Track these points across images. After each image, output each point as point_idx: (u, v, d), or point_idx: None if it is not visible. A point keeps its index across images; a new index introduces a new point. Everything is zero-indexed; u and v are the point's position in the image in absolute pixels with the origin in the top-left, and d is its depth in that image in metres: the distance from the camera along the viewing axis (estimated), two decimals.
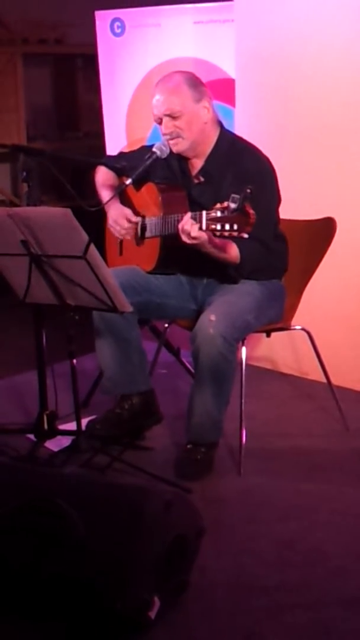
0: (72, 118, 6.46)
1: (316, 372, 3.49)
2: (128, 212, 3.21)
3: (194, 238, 2.78)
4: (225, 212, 2.65)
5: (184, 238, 2.80)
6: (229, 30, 3.99)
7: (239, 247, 2.93)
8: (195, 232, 2.76)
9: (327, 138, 3.72)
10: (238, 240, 2.84)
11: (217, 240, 2.81)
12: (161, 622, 2.20)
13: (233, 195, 2.63)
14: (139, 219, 3.22)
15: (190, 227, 2.77)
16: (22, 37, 5.92)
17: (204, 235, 2.77)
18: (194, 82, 3.07)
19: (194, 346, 2.95)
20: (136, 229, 3.25)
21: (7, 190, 6.17)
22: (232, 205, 2.63)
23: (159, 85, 3.09)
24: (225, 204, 2.65)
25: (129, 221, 3.20)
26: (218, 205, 2.68)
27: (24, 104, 5.98)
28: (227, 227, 2.65)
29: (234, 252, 2.94)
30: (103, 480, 2.74)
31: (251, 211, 2.62)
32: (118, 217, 3.21)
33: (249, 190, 2.61)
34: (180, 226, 2.82)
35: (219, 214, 2.67)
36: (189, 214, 2.83)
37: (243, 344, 3.11)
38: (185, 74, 3.14)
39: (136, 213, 3.27)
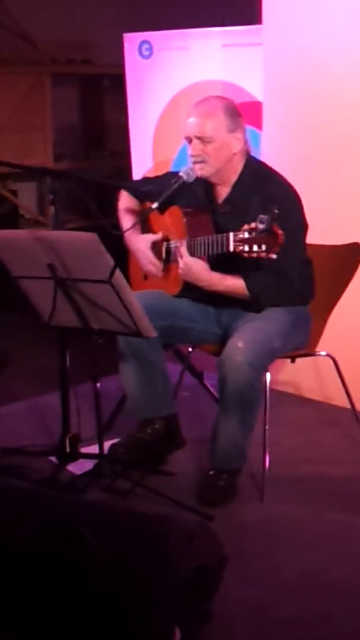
0: (98, 138, 6.50)
1: (341, 398, 3.46)
2: (150, 237, 3.22)
3: (182, 267, 2.90)
4: (253, 234, 2.65)
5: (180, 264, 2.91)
6: (257, 53, 3.99)
7: (249, 280, 2.94)
8: (185, 258, 2.89)
9: (354, 163, 3.70)
10: (250, 274, 2.86)
11: (217, 273, 2.92)
12: None
13: (261, 216, 2.62)
14: (158, 235, 3.23)
15: (182, 254, 2.88)
16: (51, 57, 5.97)
17: (194, 265, 2.90)
18: (232, 112, 3.05)
19: (220, 373, 2.93)
20: (162, 252, 3.25)
21: (33, 208, 6.20)
22: (261, 226, 2.62)
23: (197, 107, 3.08)
24: (253, 224, 2.65)
25: (154, 244, 3.23)
26: (245, 227, 2.68)
27: (51, 124, 6.02)
28: (255, 247, 2.64)
29: (239, 284, 2.96)
30: (125, 507, 2.72)
31: (279, 231, 2.61)
32: (145, 250, 3.26)
33: (276, 211, 2.60)
34: (177, 249, 2.86)
35: (246, 235, 2.66)
36: (184, 243, 2.90)
37: (267, 370, 3.09)
38: (226, 101, 3.11)
39: (162, 237, 3.27)
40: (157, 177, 3.42)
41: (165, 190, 3.07)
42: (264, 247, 2.63)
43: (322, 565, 2.67)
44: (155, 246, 3.31)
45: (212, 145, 3.02)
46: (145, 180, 3.48)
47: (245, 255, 2.67)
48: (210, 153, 3.04)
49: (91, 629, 2.17)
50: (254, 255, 2.65)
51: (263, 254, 2.64)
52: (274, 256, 2.64)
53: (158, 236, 3.25)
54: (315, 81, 3.77)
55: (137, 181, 3.53)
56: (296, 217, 3.06)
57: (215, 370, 3.02)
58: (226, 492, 3.04)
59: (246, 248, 2.65)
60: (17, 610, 2.28)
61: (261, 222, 2.63)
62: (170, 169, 4.02)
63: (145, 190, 3.28)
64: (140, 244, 3.28)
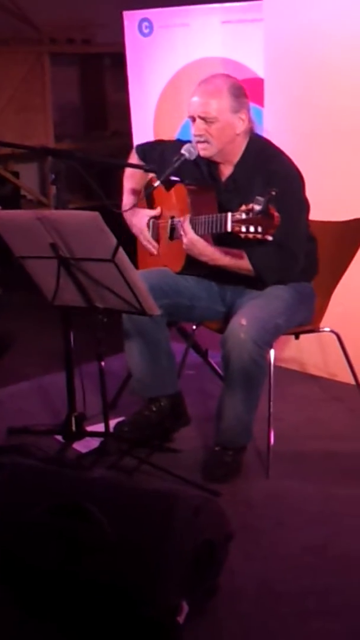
0: (99, 117, 6.48)
1: (345, 374, 3.47)
2: (147, 212, 3.23)
3: (186, 242, 2.91)
4: (250, 214, 2.65)
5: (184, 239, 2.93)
6: (257, 29, 3.97)
7: (253, 257, 2.94)
8: (189, 235, 2.89)
9: (356, 138, 3.69)
10: (255, 250, 2.85)
11: (222, 249, 2.91)
12: (190, 626, 2.19)
13: (257, 197, 2.62)
14: (157, 211, 3.24)
15: (186, 230, 2.89)
16: (50, 37, 5.95)
17: (198, 242, 2.91)
18: (237, 92, 3.03)
19: (224, 350, 2.94)
20: (165, 229, 3.26)
21: (35, 189, 6.20)
22: (257, 207, 2.62)
23: (201, 85, 3.06)
24: (250, 205, 2.65)
25: (150, 218, 3.26)
26: (243, 207, 2.68)
27: (51, 104, 6.00)
28: (251, 229, 2.64)
29: (243, 259, 2.96)
30: (132, 484, 2.74)
31: (275, 213, 2.61)
32: (143, 229, 3.29)
33: (273, 193, 2.60)
34: (180, 225, 2.89)
35: (244, 215, 2.66)
36: (187, 218, 2.92)
37: (271, 346, 3.10)
38: (230, 80, 3.08)
39: (165, 214, 3.27)
40: (168, 142, 3.40)
41: (167, 167, 3.07)
42: (259, 229, 2.63)
43: (326, 540, 2.69)
44: (157, 222, 3.32)
45: (216, 126, 3.01)
46: (158, 142, 3.47)
47: (242, 236, 2.67)
48: (213, 133, 3.02)
49: (99, 603, 2.20)
50: (250, 236, 2.65)
51: (259, 236, 2.64)
52: (269, 238, 2.64)
53: (156, 211, 3.26)
54: (315, 57, 3.75)
55: (149, 143, 3.50)
56: (298, 195, 3.05)
57: (219, 348, 3.04)
58: (232, 468, 3.05)
59: (243, 229, 2.65)
60: (27, 587, 2.31)
61: (257, 204, 2.63)
62: None
63: (148, 168, 3.27)
64: (137, 220, 3.31)
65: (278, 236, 2.68)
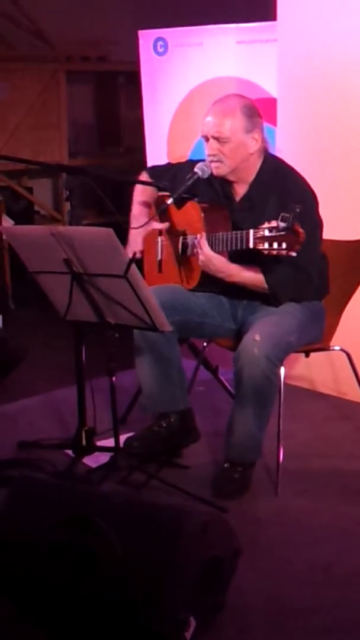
0: (113, 134, 6.52)
1: (355, 393, 3.47)
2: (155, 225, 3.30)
3: (202, 259, 2.95)
4: (274, 231, 2.66)
5: (200, 256, 2.97)
6: (271, 50, 4.01)
7: (268, 274, 2.96)
8: (206, 251, 2.93)
9: None
10: (270, 268, 2.87)
11: (238, 266, 2.96)
12: None
13: (283, 214, 2.64)
14: (164, 225, 3.28)
15: (202, 247, 2.92)
16: (66, 54, 6.00)
17: (215, 258, 2.94)
18: (250, 112, 3.06)
19: (237, 366, 2.96)
20: (177, 246, 3.28)
21: (48, 205, 6.24)
22: (282, 224, 2.64)
23: (215, 105, 3.09)
24: (275, 223, 2.66)
25: (168, 237, 3.30)
26: (266, 224, 2.69)
27: (66, 121, 6.05)
28: (275, 245, 2.66)
29: (258, 277, 2.99)
30: (140, 499, 2.75)
31: (300, 230, 2.63)
32: (136, 236, 3.32)
33: (298, 210, 2.62)
34: (197, 242, 2.92)
35: (267, 232, 2.68)
36: (204, 235, 2.94)
37: (283, 363, 3.11)
38: (244, 100, 3.11)
39: (177, 231, 3.30)
40: (179, 164, 3.41)
41: (180, 185, 3.09)
42: (284, 245, 2.65)
43: (334, 557, 2.69)
44: (167, 239, 3.34)
45: (229, 146, 3.04)
46: (169, 166, 3.50)
47: (265, 252, 2.69)
48: (226, 153, 3.05)
49: (108, 618, 2.20)
50: (274, 252, 2.67)
51: (283, 252, 2.66)
52: (293, 254, 2.66)
53: (164, 225, 3.28)
54: (329, 77, 3.78)
55: (161, 166, 3.52)
56: (313, 214, 3.07)
57: (229, 365, 3.05)
58: (240, 484, 3.06)
59: (266, 245, 2.67)
60: (37, 601, 2.32)
61: (283, 220, 2.64)
62: None
63: (160, 186, 3.30)
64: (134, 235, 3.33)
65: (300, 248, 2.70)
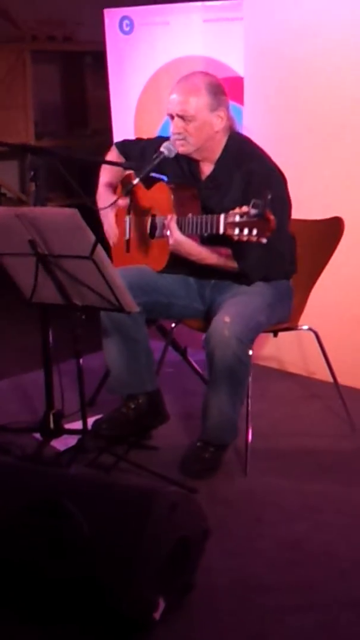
0: (80, 115, 6.45)
1: (323, 372, 3.48)
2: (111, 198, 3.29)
3: (172, 243, 2.93)
4: (245, 217, 2.64)
5: (170, 240, 2.94)
6: (238, 28, 3.98)
7: (239, 255, 2.94)
8: (175, 235, 2.91)
9: (335, 136, 3.71)
10: (241, 248, 2.86)
11: (209, 248, 2.92)
12: (166, 623, 2.20)
13: (255, 200, 2.61)
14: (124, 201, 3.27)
15: (172, 230, 2.90)
16: (31, 34, 5.92)
17: (185, 242, 2.93)
18: (215, 90, 3.04)
19: (208, 348, 2.95)
20: (146, 227, 3.26)
21: (14, 187, 6.17)
22: (253, 211, 2.62)
23: (180, 83, 3.06)
24: (245, 208, 2.64)
25: (135, 217, 3.28)
26: (237, 210, 2.67)
27: (32, 101, 5.98)
28: (245, 231, 2.63)
29: (229, 257, 2.97)
30: (108, 480, 2.73)
31: (272, 217, 2.61)
32: (109, 215, 3.32)
33: (269, 196, 2.60)
34: (167, 224, 2.90)
35: (237, 218, 2.65)
36: (174, 217, 2.92)
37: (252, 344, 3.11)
38: (209, 77, 3.09)
39: (147, 212, 3.27)
40: (149, 140, 3.39)
41: (147, 165, 3.07)
42: (254, 232, 2.62)
43: (303, 535, 2.70)
44: (136, 219, 3.32)
45: (194, 124, 3.02)
46: (139, 140, 3.47)
47: (235, 238, 2.66)
48: (191, 131, 3.03)
49: (75, 600, 2.20)
50: (244, 238, 2.64)
51: (253, 239, 2.64)
52: (264, 240, 2.63)
53: (123, 202, 3.26)
54: (295, 55, 3.77)
55: (131, 141, 3.49)
56: (281, 194, 3.05)
57: (199, 346, 3.04)
58: (209, 464, 3.06)
59: (237, 231, 2.65)
60: (4, 585, 2.30)
61: (254, 207, 2.62)
62: None
63: (126, 165, 3.27)
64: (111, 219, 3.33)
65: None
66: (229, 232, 2.67)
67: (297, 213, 3.26)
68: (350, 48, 3.59)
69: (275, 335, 3.37)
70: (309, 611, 2.34)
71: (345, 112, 3.66)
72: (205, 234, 2.91)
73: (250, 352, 3.08)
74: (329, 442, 3.35)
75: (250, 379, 3.10)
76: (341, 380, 3.41)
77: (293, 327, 3.33)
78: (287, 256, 3.18)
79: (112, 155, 3.42)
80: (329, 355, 3.35)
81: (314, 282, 3.37)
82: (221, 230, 2.72)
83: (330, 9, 3.62)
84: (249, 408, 3.13)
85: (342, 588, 2.44)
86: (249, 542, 2.68)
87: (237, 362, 2.93)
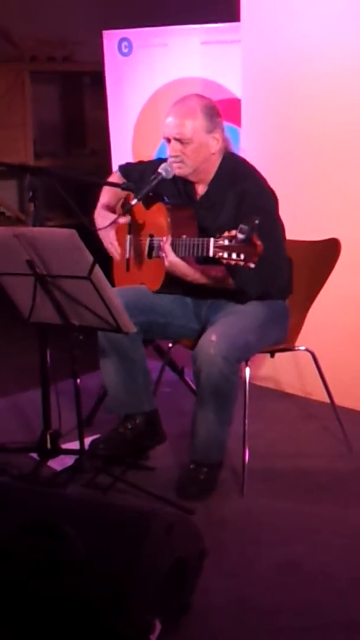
0: (79, 135, 6.49)
1: (320, 393, 3.49)
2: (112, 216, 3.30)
3: (167, 265, 2.95)
4: (233, 242, 2.66)
5: (165, 262, 2.96)
6: (236, 50, 4.01)
7: (236, 275, 2.95)
8: (170, 257, 2.92)
9: (331, 158, 3.73)
10: (237, 269, 2.87)
11: (204, 268, 2.94)
12: None
13: (242, 226, 2.63)
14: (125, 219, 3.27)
15: (167, 253, 2.92)
16: (31, 54, 5.96)
17: (179, 264, 2.94)
18: (210, 112, 3.06)
19: (195, 366, 2.96)
20: (144, 247, 3.28)
21: (13, 206, 6.19)
22: (240, 236, 2.63)
23: (176, 106, 3.09)
24: (234, 232, 2.65)
25: (135, 238, 3.28)
26: (226, 234, 2.68)
27: (31, 121, 6.01)
28: (233, 255, 2.65)
29: (225, 276, 2.98)
30: (105, 501, 2.73)
31: (258, 242, 2.62)
32: (113, 240, 3.31)
33: (257, 222, 2.61)
34: (162, 245, 2.92)
35: (226, 242, 2.67)
36: (169, 239, 2.94)
37: (247, 364, 3.12)
38: (204, 100, 3.11)
39: (145, 231, 3.29)
40: (148, 163, 3.40)
41: (145, 186, 3.09)
42: (242, 256, 2.64)
43: (300, 557, 2.70)
44: (135, 239, 3.34)
45: (191, 147, 3.04)
46: (140, 163, 3.49)
47: (224, 261, 2.68)
48: (188, 154, 3.06)
49: (72, 621, 2.19)
50: (232, 262, 2.66)
51: (241, 263, 2.65)
52: (252, 265, 2.65)
53: (124, 219, 3.27)
54: (293, 78, 3.80)
55: (132, 164, 3.52)
56: (271, 212, 3.06)
57: None
58: (206, 485, 3.06)
59: (225, 255, 2.66)
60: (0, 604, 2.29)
61: (241, 232, 2.64)
62: None
63: (124, 186, 3.29)
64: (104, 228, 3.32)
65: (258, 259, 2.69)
66: (219, 255, 2.68)
67: (294, 234, 3.28)
68: (347, 71, 3.62)
69: (272, 355, 3.38)
70: (306, 632, 2.33)
71: (342, 134, 3.68)
72: (197, 256, 2.92)
73: (248, 372, 3.09)
74: (326, 463, 3.35)
75: (247, 399, 3.11)
76: (338, 401, 3.42)
77: (290, 348, 3.34)
78: (285, 274, 3.19)
79: (114, 178, 3.44)
80: (325, 376, 3.36)
81: (311, 303, 3.38)
82: (211, 254, 2.74)
83: (328, 32, 3.66)
84: (246, 428, 3.13)
85: (340, 609, 2.43)
86: (246, 563, 2.67)
87: (224, 380, 2.93)
